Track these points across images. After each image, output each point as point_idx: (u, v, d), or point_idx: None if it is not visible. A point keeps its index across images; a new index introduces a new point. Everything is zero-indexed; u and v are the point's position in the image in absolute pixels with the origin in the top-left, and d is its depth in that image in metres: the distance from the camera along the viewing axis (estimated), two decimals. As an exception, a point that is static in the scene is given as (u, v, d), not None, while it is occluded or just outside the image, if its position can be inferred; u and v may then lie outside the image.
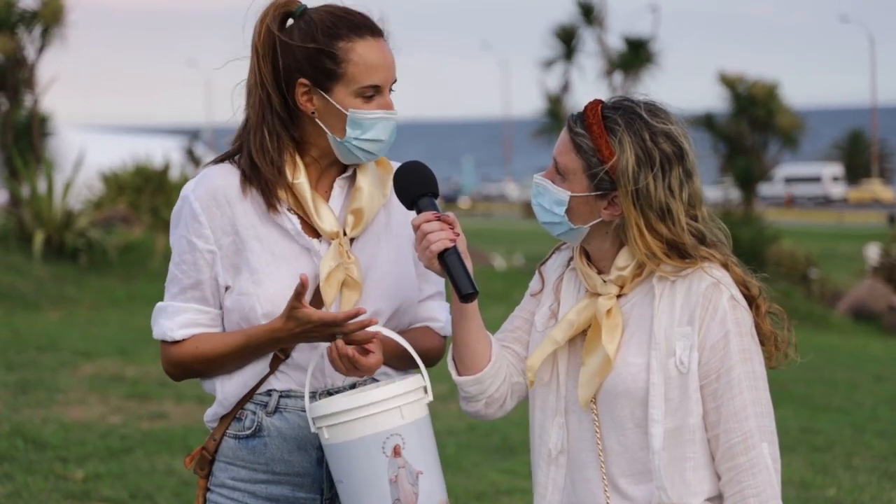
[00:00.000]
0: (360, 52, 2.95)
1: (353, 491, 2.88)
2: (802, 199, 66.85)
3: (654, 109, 2.86)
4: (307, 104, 2.99)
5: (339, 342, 2.90)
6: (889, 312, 20.83)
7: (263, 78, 2.99)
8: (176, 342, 3.03)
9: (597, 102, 2.89)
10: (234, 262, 3.01)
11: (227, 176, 3.03)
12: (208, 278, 3.02)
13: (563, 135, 2.89)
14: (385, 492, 2.84)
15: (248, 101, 3.03)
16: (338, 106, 2.96)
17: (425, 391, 2.92)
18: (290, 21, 3.01)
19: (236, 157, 3.06)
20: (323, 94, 2.97)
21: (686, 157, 2.84)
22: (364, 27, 2.97)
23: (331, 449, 2.89)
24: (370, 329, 2.91)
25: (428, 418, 2.92)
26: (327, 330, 2.90)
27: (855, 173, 68.99)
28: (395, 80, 3.01)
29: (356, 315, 2.88)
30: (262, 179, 2.99)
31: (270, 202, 3.00)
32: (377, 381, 3.07)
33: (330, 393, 3.03)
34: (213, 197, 3.01)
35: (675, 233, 2.82)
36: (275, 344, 2.96)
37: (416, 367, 3.01)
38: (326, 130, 2.99)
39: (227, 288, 3.02)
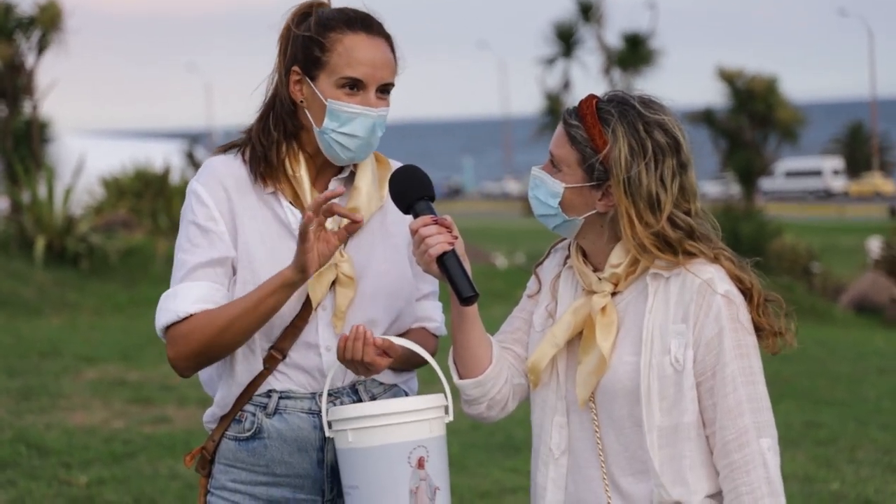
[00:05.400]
0: (347, 44, 2.97)
1: (368, 498, 2.83)
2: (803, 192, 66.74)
3: (647, 102, 2.88)
4: (297, 93, 3.02)
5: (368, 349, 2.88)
6: (891, 305, 20.81)
7: (279, 68, 3.03)
8: (188, 317, 2.93)
9: (591, 97, 2.91)
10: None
11: (229, 166, 3.05)
12: (222, 256, 2.97)
13: (559, 128, 2.90)
14: (404, 502, 2.81)
15: (265, 92, 3.07)
16: (320, 95, 2.98)
17: (446, 411, 2.90)
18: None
19: (240, 148, 3.07)
20: (310, 82, 2.99)
21: (681, 149, 2.84)
22: (357, 21, 2.99)
23: (351, 453, 2.85)
24: (380, 337, 2.91)
25: (446, 437, 2.90)
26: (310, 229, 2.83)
27: (855, 167, 68.91)
28: (387, 82, 3.00)
29: (333, 196, 2.83)
30: (263, 162, 3.00)
31: (274, 187, 3.00)
32: (382, 383, 3.07)
33: (330, 394, 3.02)
34: (218, 181, 3.03)
35: (662, 224, 2.81)
36: (281, 276, 2.88)
37: (411, 369, 3.04)
38: (311, 120, 3.00)
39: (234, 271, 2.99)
